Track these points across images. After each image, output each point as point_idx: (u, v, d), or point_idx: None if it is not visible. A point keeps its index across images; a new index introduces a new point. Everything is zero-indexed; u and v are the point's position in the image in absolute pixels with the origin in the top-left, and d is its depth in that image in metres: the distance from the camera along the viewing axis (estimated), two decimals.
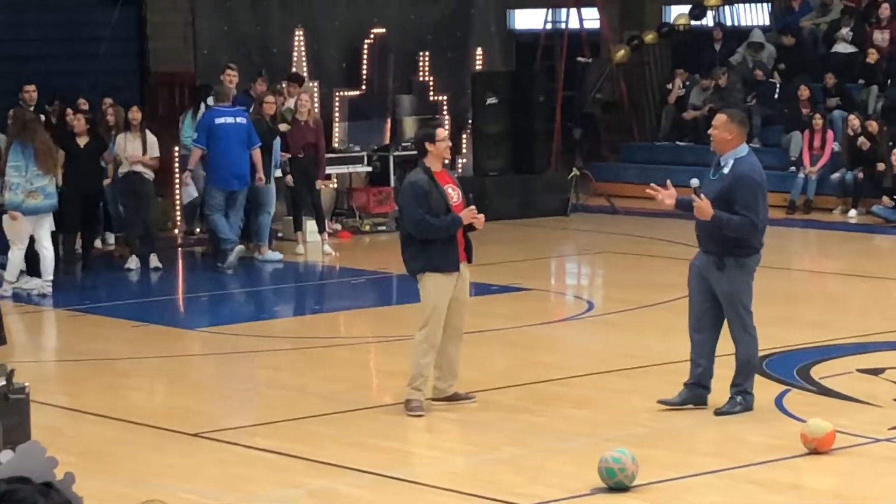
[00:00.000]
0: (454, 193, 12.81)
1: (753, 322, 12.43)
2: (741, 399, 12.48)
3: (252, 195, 21.64)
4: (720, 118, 12.72)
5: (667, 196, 12.54)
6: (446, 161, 13.57)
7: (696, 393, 12.62)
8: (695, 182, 12.46)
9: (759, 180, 12.48)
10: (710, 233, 12.37)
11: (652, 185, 12.83)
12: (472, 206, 13.02)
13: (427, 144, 12.85)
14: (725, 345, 12.54)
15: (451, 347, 12.88)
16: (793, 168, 25.89)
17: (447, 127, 25.22)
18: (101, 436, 12.11)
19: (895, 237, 23.25)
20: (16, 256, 18.93)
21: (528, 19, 31.91)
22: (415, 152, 24.41)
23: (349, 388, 13.86)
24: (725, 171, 12.37)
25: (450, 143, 13.42)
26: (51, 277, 18.96)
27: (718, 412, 12.44)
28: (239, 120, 21.25)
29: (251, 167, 21.13)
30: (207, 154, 21.05)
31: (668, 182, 12.72)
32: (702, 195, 12.26)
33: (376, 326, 17.60)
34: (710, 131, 12.81)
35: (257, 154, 21.20)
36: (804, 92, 26.59)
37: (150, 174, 20.97)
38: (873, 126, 25.02)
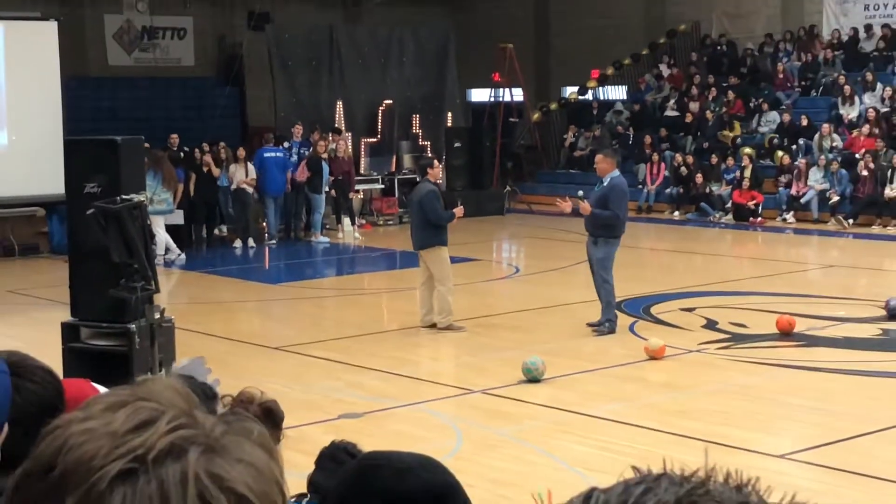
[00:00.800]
0: None
1: (612, 278, 12.50)
2: (609, 325, 12.55)
3: (310, 202, 21.78)
4: (599, 156, 12.83)
5: (566, 206, 12.60)
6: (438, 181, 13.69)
7: None
8: (580, 192, 12.67)
9: (625, 191, 12.70)
10: (591, 223, 12.48)
11: (558, 198, 12.88)
12: (461, 206, 13.20)
13: (428, 169, 12.97)
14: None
15: (433, 293, 12.85)
16: (640, 186, 25.89)
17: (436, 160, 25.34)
18: (218, 349, 12.04)
19: (702, 228, 23.23)
20: (160, 239, 18.92)
21: (479, 94, 31.80)
22: (411, 176, 24.76)
23: (371, 320, 13.82)
24: (605, 184, 12.44)
25: (440, 170, 13.54)
26: (163, 252, 18.96)
27: (597, 335, 12.44)
28: (277, 154, 21.51)
29: (286, 182, 21.63)
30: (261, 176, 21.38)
31: (567, 197, 12.79)
32: (585, 199, 12.48)
33: (387, 283, 17.57)
34: (595, 164, 12.86)
35: (288, 174, 21.58)
36: (647, 140, 26.62)
37: (251, 189, 21.05)
38: (689, 160, 25.06)
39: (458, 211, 12.81)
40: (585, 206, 12.26)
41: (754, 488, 0.88)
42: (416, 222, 12.85)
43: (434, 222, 12.60)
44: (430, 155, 21.29)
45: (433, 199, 12.59)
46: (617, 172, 12.63)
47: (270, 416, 3.33)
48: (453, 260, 17.75)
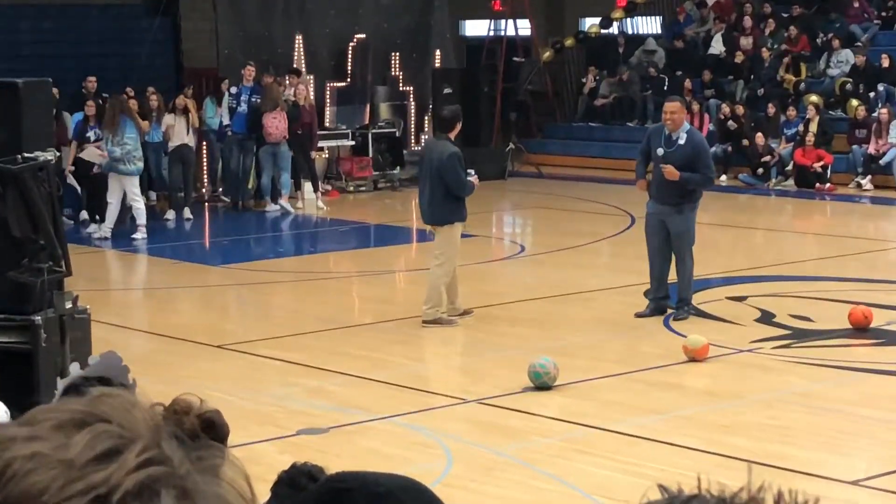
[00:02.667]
0: None
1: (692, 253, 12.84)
2: (688, 308, 12.92)
3: (275, 160, 22.03)
4: (676, 105, 12.89)
5: (670, 172, 12.42)
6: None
7: (658, 306, 12.97)
8: (660, 151, 12.60)
9: (708, 147, 13.05)
10: (671, 188, 12.53)
11: (667, 168, 12.47)
12: (475, 175, 12.94)
13: (456, 123, 12.70)
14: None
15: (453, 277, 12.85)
16: None
17: (413, 111, 25.45)
18: (146, 347, 12.07)
19: (755, 196, 23.28)
20: (138, 207, 19.32)
21: (475, 28, 31.77)
22: (389, 130, 24.77)
23: (337, 312, 13.85)
24: (682, 142, 12.46)
25: None
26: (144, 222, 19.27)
27: (676, 319, 12.76)
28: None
29: None
30: None
31: (669, 167, 12.45)
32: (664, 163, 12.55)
33: (357, 264, 17.57)
34: (668, 116, 12.65)
35: None
36: (687, 85, 26.62)
37: (193, 144, 21.09)
38: (740, 111, 25.06)
39: (475, 180, 12.73)
40: (673, 171, 12.28)
41: None
42: (433, 191, 12.51)
43: (459, 193, 12.47)
44: (454, 106, 21.30)
45: (457, 163, 12.34)
46: (687, 125, 12.79)
47: (212, 431, 3.34)
48: None
